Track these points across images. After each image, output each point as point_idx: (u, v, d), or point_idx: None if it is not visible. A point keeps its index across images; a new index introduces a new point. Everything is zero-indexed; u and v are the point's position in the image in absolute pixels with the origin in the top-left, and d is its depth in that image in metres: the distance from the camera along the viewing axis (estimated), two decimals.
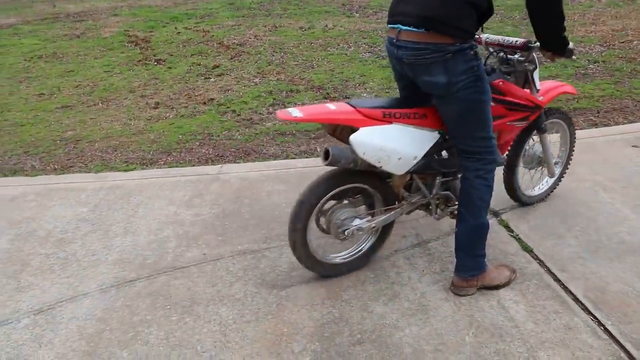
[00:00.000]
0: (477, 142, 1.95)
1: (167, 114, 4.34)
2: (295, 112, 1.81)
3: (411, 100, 2.02)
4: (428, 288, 2.09)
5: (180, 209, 2.75)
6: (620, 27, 6.97)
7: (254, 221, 2.60)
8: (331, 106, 1.87)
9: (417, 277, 2.16)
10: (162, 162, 3.46)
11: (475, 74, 1.83)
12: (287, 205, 2.72)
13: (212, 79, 5.25)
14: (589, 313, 1.95)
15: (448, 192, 2.21)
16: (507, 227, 2.48)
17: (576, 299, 2.02)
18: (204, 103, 4.55)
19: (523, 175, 2.61)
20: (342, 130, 1.95)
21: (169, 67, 5.73)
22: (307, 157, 3.38)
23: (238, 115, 4.23)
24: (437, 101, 1.94)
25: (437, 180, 2.16)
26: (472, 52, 1.81)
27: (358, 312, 1.97)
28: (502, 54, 2.21)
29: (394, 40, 1.88)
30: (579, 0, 9.28)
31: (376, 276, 2.17)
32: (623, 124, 3.79)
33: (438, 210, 2.25)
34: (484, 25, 1.89)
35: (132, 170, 3.34)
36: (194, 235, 2.51)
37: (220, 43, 6.77)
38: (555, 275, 2.15)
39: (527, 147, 2.51)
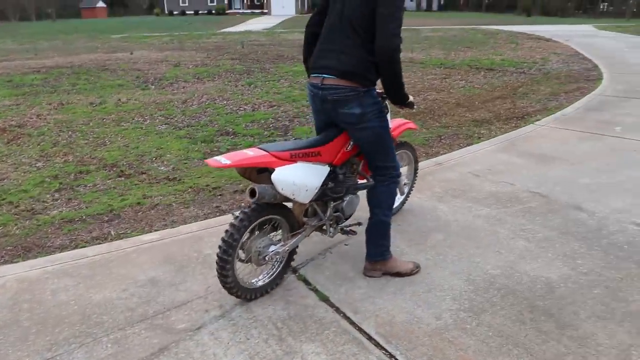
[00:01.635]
0: (387, 159, 2.59)
1: None
2: (223, 160, 2.14)
3: (323, 132, 2.57)
4: None
5: None
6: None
7: (35, 328, 2.29)
8: (249, 152, 2.24)
9: (222, 351, 2.12)
10: None
11: (379, 108, 2.49)
12: (76, 302, 2.46)
13: None
14: (382, 348, 2.13)
15: (338, 213, 2.69)
16: (305, 281, 2.62)
17: (370, 337, 2.20)
18: None
19: None
20: (251, 171, 2.34)
21: None
22: (100, 244, 3.14)
23: (16, 206, 3.75)
24: (354, 130, 2.50)
25: (330, 205, 2.64)
26: (376, 93, 2.49)
27: None
28: None
29: (320, 85, 2.45)
30: None
31: None
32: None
33: (331, 229, 2.68)
34: None
35: None
36: None
37: None
38: (350, 319, 2.32)
39: None
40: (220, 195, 3.90)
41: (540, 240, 3.02)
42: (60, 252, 3.03)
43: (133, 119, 6.34)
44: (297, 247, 2.58)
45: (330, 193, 2.56)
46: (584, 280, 2.59)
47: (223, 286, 2.32)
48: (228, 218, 3.37)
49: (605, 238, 3.04)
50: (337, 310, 2.38)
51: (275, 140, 5.37)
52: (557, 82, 8.83)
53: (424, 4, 66.92)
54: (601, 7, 64.75)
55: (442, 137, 5.43)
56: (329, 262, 2.81)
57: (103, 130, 5.82)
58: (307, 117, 6.51)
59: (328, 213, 2.63)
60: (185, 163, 4.66)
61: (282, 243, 2.45)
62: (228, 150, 5.00)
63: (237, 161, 2.14)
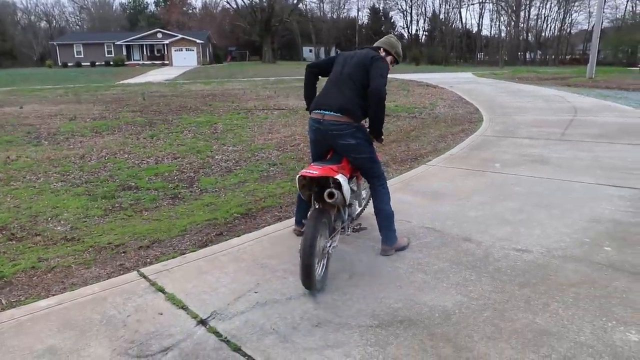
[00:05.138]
0: (377, 170, 3.50)
1: None
2: (311, 171, 3.01)
3: (322, 159, 3.40)
4: None
5: None
6: (290, 133, 8.43)
7: None
8: (319, 166, 3.08)
9: None
10: None
11: (368, 138, 3.38)
12: None
13: None
14: None
15: (353, 216, 3.68)
16: (216, 333, 2.60)
17: None
18: None
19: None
20: (304, 189, 3.20)
21: None
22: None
23: None
24: (352, 155, 3.33)
25: (347, 209, 3.46)
26: (363, 126, 3.35)
27: None
28: None
29: (321, 120, 3.27)
30: (257, 114, 10.88)
31: None
32: None
33: (349, 230, 3.54)
34: None
35: None
36: None
37: None
38: None
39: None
40: (123, 252, 3.77)
41: (436, 272, 3.28)
42: None
43: (24, 178, 5.95)
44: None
45: (350, 198, 3.39)
46: (475, 305, 2.85)
47: (308, 285, 2.89)
48: (133, 276, 3.28)
49: (492, 265, 3.37)
50: (249, 358, 2.40)
51: (180, 192, 5.32)
52: (445, 125, 9.67)
53: (322, 55, 70.28)
54: (478, 56, 72.24)
55: None
56: (238, 312, 2.82)
57: None
58: (212, 167, 6.52)
59: (346, 215, 3.46)
60: (85, 221, 4.46)
61: (330, 240, 3.14)
62: (130, 206, 4.88)
63: (320, 171, 3.00)
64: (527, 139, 7.91)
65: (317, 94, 3.52)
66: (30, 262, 3.60)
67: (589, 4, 63.99)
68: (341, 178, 3.06)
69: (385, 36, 3.74)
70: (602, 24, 28.92)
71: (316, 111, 3.33)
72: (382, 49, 3.57)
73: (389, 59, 3.57)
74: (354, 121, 3.24)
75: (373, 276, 3.24)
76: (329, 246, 3.12)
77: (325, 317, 2.76)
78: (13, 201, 5.07)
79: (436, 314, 2.76)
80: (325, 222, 3.08)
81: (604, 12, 40.93)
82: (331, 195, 3.00)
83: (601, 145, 7.28)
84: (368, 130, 3.40)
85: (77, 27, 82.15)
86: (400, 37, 74.57)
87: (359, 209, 4.20)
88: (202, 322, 2.70)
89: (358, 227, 3.62)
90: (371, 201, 3.87)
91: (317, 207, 3.15)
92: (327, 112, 3.24)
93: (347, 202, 3.20)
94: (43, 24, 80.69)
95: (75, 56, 55.84)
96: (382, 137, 3.44)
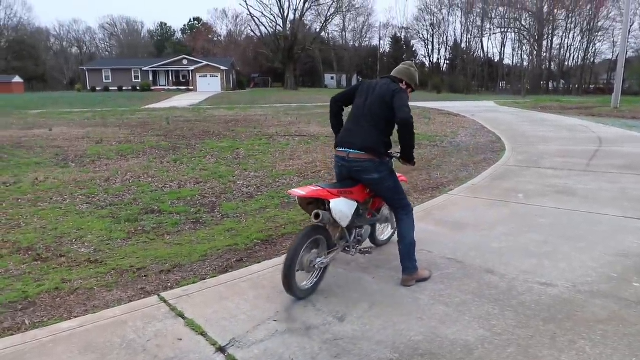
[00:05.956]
0: (401, 200, 3.59)
1: None
2: (299, 191, 3.14)
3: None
4: None
5: None
6: (311, 160, 8.48)
7: None
8: (313, 187, 3.21)
9: None
10: None
11: (391, 170, 3.54)
12: None
13: None
14: None
15: (360, 238, 3.73)
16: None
17: None
18: None
19: (377, 228, 4.21)
20: (306, 205, 3.33)
21: None
22: (12, 335, 2.93)
23: None
24: (375, 187, 3.51)
25: (355, 231, 3.63)
26: (387, 160, 3.47)
27: None
28: None
29: (346, 158, 3.43)
30: (279, 140, 11.00)
31: None
32: None
33: (353, 250, 3.61)
34: None
35: None
36: None
37: None
38: None
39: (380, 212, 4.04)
40: (145, 276, 3.80)
41: (458, 305, 3.22)
42: None
43: (51, 199, 6.09)
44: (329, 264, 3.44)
45: (357, 222, 3.54)
46: (498, 341, 2.78)
47: (287, 290, 3.14)
48: (154, 300, 3.30)
49: (515, 299, 3.29)
50: None
51: (201, 217, 5.37)
52: (467, 154, 9.62)
53: (344, 82, 71.04)
54: (500, 85, 72.08)
55: None
56: (257, 340, 2.81)
57: (17, 212, 5.53)
58: (234, 192, 6.58)
59: (352, 237, 3.59)
60: (108, 244, 4.52)
61: (324, 257, 3.32)
62: (153, 229, 4.94)
63: (308, 193, 3.14)
64: (550, 170, 7.80)
65: (343, 125, 3.64)
66: (54, 283, 3.66)
67: (612, 34, 63.67)
68: (335, 201, 3.18)
69: (404, 66, 3.72)
70: (626, 53, 28.70)
71: (340, 149, 3.48)
72: (404, 81, 3.63)
73: (408, 90, 3.66)
74: (376, 157, 3.39)
75: (393, 307, 3.20)
76: (318, 261, 3.28)
77: (345, 347, 2.72)
78: (40, 222, 5.18)
79: (458, 349, 2.70)
80: (320, 238, 3.30)
81: (628, 42, 40.72)
82: (317, 216, 3.17)
83: (627, 176, 7.14)
84: (400, 156, 3.51)
85: (107, 53, 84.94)
86: (422, 65, 74.97)
87: (387, 235, 4.39)
88: (221, 350, 2.69)
89: (365, 249, 3.68)
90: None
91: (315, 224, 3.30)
92: (351, 151, 3.40)
93: (344, 224, 3.30)
94: (74, 49, 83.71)
95: (104, 81, 57.51)
96: (415, 160, 3.57)
